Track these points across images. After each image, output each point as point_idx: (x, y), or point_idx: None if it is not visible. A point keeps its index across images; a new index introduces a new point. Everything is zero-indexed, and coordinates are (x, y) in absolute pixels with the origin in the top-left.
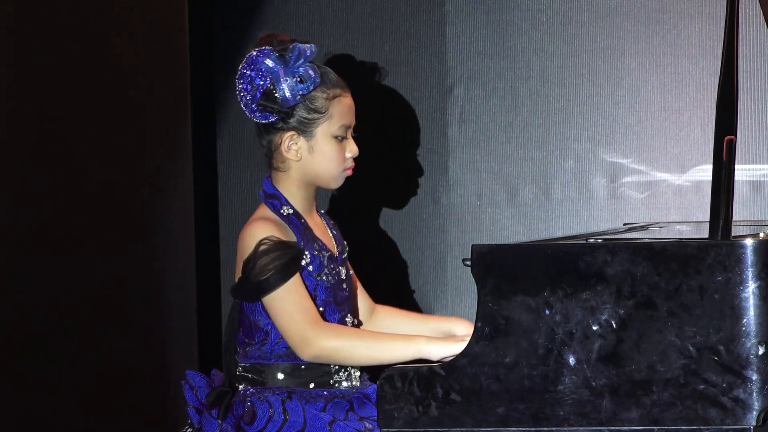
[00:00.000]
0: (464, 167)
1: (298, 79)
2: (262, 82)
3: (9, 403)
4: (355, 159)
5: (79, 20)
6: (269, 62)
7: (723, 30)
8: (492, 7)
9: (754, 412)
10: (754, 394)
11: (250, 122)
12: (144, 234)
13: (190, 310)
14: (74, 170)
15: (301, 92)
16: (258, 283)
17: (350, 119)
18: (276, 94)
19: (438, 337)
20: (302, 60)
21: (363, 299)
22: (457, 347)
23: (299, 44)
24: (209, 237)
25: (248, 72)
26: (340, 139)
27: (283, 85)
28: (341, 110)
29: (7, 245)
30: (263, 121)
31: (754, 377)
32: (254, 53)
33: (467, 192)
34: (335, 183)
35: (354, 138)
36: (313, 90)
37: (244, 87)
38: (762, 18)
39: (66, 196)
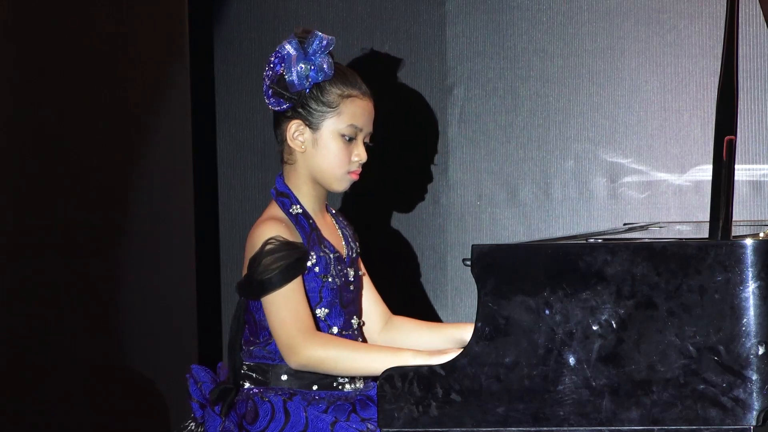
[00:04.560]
0: (464, 167)
1: (311, 66)
2: (279, 68)
3: (10, 402)
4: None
5: (79, 20)
6: (289, 48)
7: (723, 30)
8: (492, 7)
9: (754, 412)
10: (754, 394)
11: (250, 122)
12: (144, 234)
13: (190, 310)
14: (74, 170)
15: (310, 80)
16: (261, 281)
17: (363, 122)
18: (286, 78)
19: (425, 351)
20: (320, 49)
21: (379, 308)
22: (443, 360)
23: (320, 33)
24: (209, 237)
25: (272, 59)
26: (348, 139)
27: (294, 69)
28: (353, 110)
29: (7, 245)
30: (276, 108)
31: (754, 377)
32: (283, 43)
33: (467, 192)
34: (338, 184)
35: (368, 146)
36: (327, 84)
37: (266, 73)
38: (762, 18)
39: (66, 196)
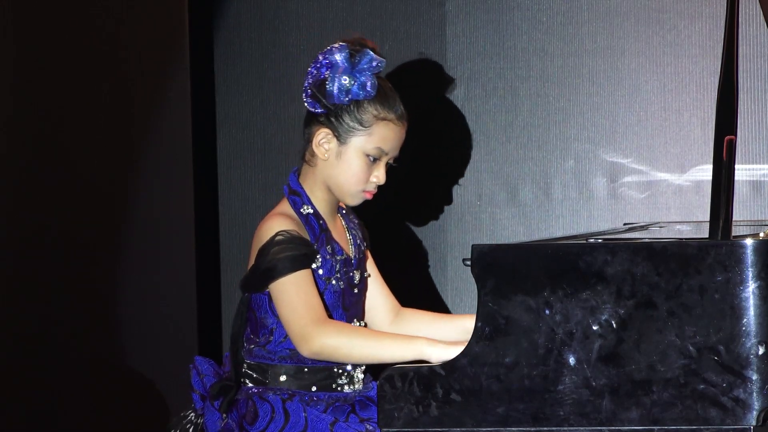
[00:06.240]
0: (464, 167)
1: (354, 82)
2: (324, 71)
3: (10, 401)
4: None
5: (80, 20)
6: (338, 56)
7: (723, 30)
8: (492, 7)
9: (754, 412)
10: (754, 394)
11: (250, 122)
12: (144, 234)
13: (190, 310)
14: (74, 170)
15: (350, 95)
16: (267, 269)
17: (390, 147)
18: (327, 86)
19: (440, 340)
20: (368, 68)
21: (388, 301)
22: (458, 351)
23: (372, 52)
24: (209, 237)
25: (321, 58)
26: (372, 159)
27: (337, 81)
28: (384, 134)
29: (7, 245)
30: (311, 109)
31: (754, 377)
32: (335, 45)
33: (467, 192)
34: (351, 199)
35: (391, 167)
36: (365, 102)
37: (311, 70)
38: (762, 18)
39: (66, 196)
